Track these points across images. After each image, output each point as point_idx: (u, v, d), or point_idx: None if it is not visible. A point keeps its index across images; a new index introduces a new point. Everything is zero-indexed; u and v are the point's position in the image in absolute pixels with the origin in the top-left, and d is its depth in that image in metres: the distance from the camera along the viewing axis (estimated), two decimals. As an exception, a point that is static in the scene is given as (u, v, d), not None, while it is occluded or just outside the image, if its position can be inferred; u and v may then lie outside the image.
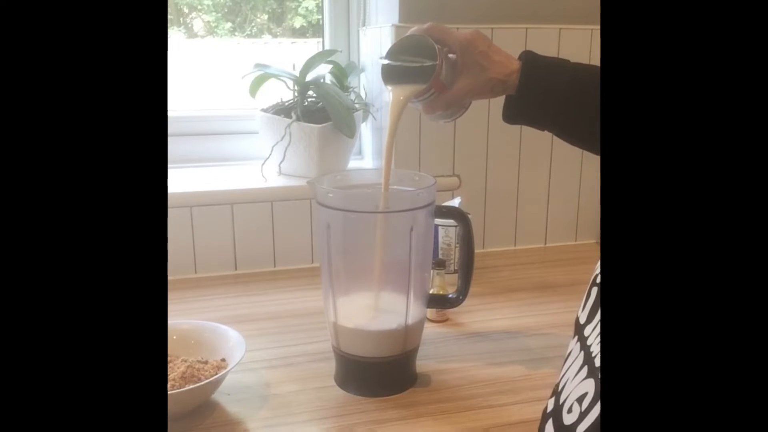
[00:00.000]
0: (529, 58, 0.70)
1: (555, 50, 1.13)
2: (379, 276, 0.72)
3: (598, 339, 0.52)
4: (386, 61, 0.72)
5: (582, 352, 0.54)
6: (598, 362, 0.50)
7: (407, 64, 0.71)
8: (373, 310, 0.73)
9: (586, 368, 0.52)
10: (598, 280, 0.56)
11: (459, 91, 0.71)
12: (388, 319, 0.72)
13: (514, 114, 0.72)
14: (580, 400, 0.50)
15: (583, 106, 0.69)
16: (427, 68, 0.69)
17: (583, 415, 0.48)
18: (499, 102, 0.74)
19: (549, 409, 0.56)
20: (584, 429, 0.46)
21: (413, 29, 0.72)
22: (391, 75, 0.73)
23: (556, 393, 0.56)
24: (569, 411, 0.51)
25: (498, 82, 0.70)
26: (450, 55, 0.72)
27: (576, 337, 0.57)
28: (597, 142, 0.71)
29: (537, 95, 0.70)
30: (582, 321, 0.57)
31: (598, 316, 0.55)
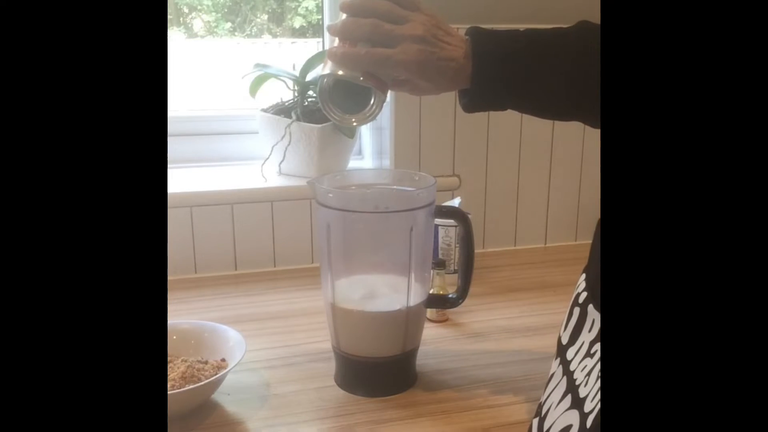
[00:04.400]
0: (480, 64, 0.62)
1: (555, 50, 1.13)
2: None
3: (582, 365, 0.51)
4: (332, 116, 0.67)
5: (565, 378, 0.53)
6: (582, 392, 0.49)
7: (347, 126, 0.66)
8: (373, 299, 0.73)
9: (569, 397, 0.50)
10: (580, 300, 0.55)
11: (404, 90, 0.68)
12: (389, 302, 0.72)
13: (471, 106, 0.66)
14: None
15: (545, 86, 0.63)
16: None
17: None
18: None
19: (534, 431, 0.55)
20: None
21: (345, 61, 0.62)
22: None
23: (540, 416, 0.54)
24: None
25: (444, 91, 0.66)
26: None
27: (558, 359, 0.56)
28: (563, 112, 0.67)
29: (495, 93, 0.64)
30: (564, 342, 0.56)
31: (580, 339, 0.53)
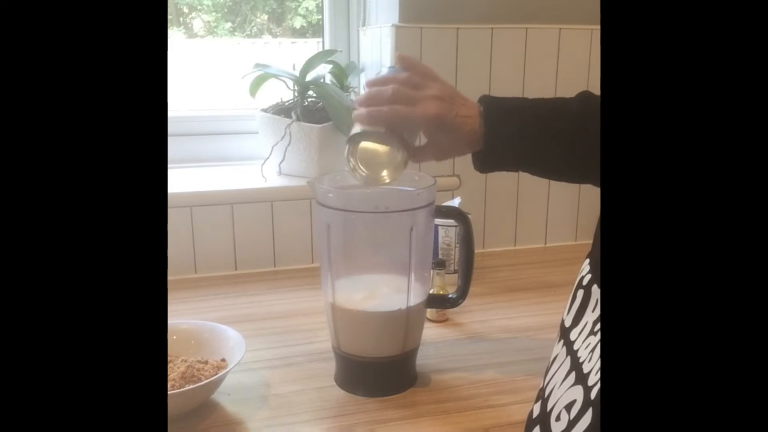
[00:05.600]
0: (491, 125, 0.68)
1: (555, 50, 1.13)
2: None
3: (586, 343, 0.52)
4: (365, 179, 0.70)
5: (569, 357, 0.53)
6: (586, 368, 0.49)
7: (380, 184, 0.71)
8: (373, 300, 0.73)
9: (573, 374, 0.51)
10: (584, 282, 0.56)
11: (424, 155, 0.72)
12: (389, 302, 0.72)
13: (485, 167, 0.73)
14: (568, 408, 0.49)
15: (551, 149, 0.69)
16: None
17: (572, 424, 0.47)
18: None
19: (535, 415, 0.56)
20: None
21: (370, 119, 0.67)
22: None
23: (542, 398, 0.55)
24: (557, 419, 0.50)
25: (463, 151, 0.72)
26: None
27: (561, 341, 0.57)
28: (571, 175, 0.73)
29: (505, 153, 0.70)
30: (567, 324, 0.57)
31: (584, 319, 0.54)
